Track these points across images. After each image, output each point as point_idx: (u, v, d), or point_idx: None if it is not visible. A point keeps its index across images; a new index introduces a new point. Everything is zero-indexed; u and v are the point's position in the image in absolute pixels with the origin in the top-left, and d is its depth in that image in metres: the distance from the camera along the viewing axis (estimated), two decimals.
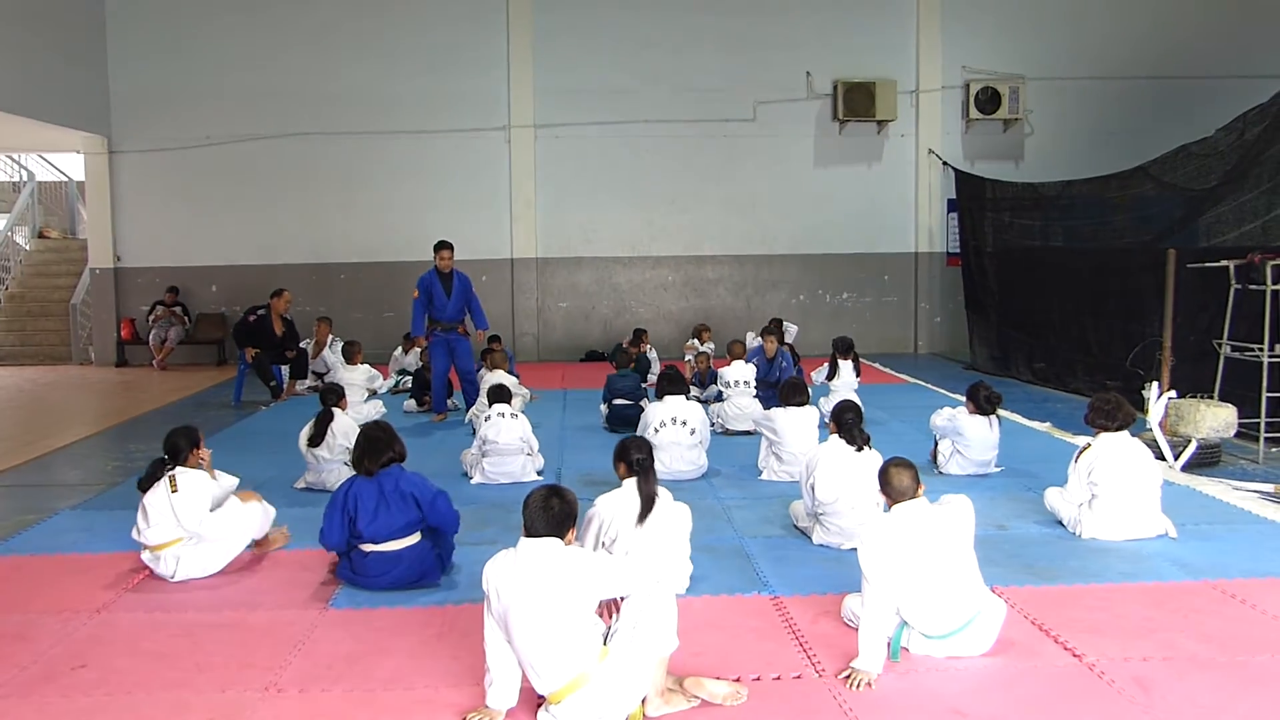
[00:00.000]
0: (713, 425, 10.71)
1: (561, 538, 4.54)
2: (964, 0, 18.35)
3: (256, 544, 6.91)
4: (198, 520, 6.46)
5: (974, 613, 5.13)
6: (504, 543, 6.67)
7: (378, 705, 4.76)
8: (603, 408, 11.55)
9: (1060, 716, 4.59)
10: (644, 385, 12.02)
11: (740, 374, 11.32)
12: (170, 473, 6.50)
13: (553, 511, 4.55)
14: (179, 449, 6.62)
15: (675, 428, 9.03)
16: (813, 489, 7.00)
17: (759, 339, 14.34)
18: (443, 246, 12.02)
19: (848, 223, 18.65)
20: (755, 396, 11.20)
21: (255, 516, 6.82)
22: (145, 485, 6.55)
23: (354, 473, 6.56)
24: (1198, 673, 4.98)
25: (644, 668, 4.48)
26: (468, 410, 11.74)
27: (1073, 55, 18.37)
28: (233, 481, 6.92)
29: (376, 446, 6.40)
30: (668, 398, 9.25)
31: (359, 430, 6.76)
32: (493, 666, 4.58)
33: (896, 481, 5.26)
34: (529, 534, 4.56)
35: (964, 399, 9.30)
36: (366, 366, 12.15)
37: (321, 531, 6.34)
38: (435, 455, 10.16)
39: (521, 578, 4.43)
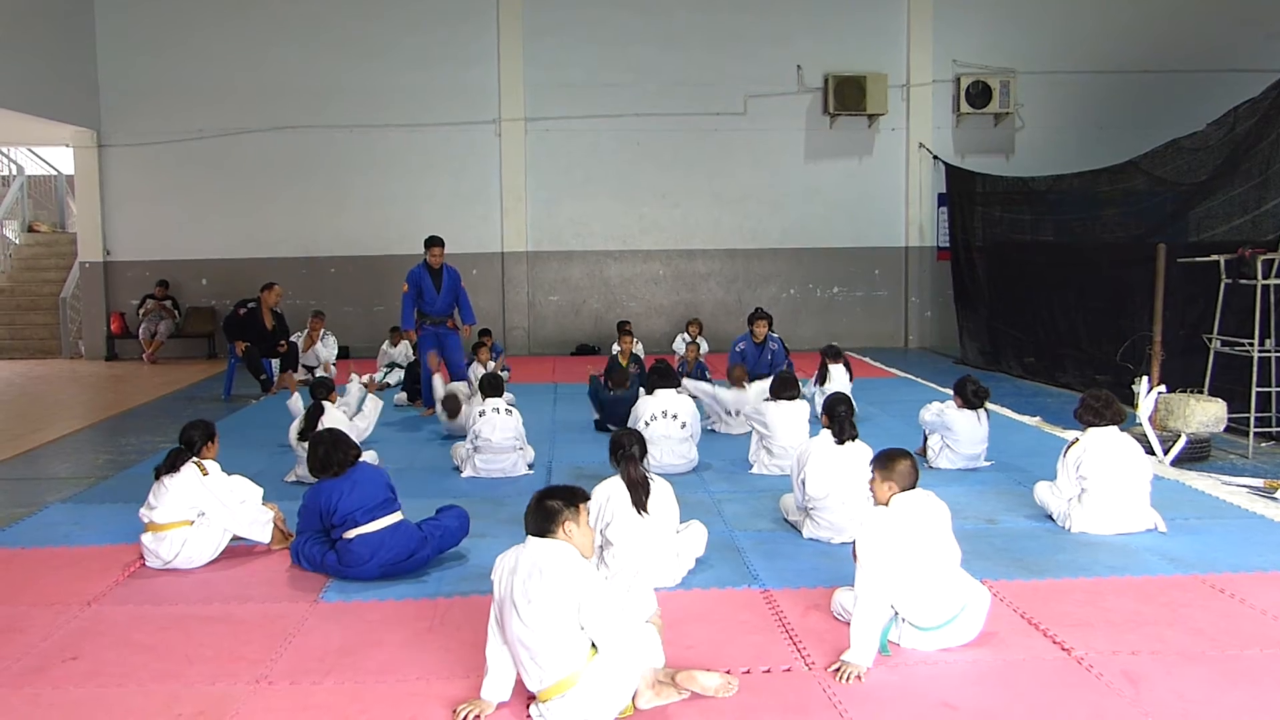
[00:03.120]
0: (706, 419, 10.74)
1: (552, 532, 4.53)
2: None
3: (269, 544, 7.01)
4: (222, 502, 6.73)
5: (963, 603, 5.16)
6: (494, 536, 6.75)
7: (369, 697, 4.76)
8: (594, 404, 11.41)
9: (1049, 710, 4.61)
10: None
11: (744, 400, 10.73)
12: (195, 460, 6.77)
13: (543, 511, 4.55)
14: (194, 441, 6.88)
15: (666, 421, 9.03)
16: (803, 483, 7.01)
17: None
18: (434, 243, 12.00)
19: (838, 217, 18.66)
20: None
21: (268, 523, 6.96)
22: (163, 470, 6.72)
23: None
24: (1186, 667, 5.00)
25: (631, 669, 4.50)
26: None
27: (1064, 49, 18.38)
28: (258, 490, 7.04)
29: (332, 455, 6.49)
30: (658, 391, 9.25)
31: (311, 442, 6.76)
32: (489, 658, 4.59)
33: (902, 466, 5.28)
34: (528, 531, 4.58)
35: (951, 394, 9.32)
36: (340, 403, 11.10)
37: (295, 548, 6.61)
38: (426, 449, 10.16)
39: (520, 574, 4.43)
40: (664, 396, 9.19)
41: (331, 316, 16.26)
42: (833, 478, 6.89)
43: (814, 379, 11.60)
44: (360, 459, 6.62)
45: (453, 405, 10.44)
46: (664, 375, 9.41)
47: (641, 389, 9.89)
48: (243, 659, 5.18)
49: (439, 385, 11.14)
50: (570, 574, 4.43)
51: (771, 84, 18.29)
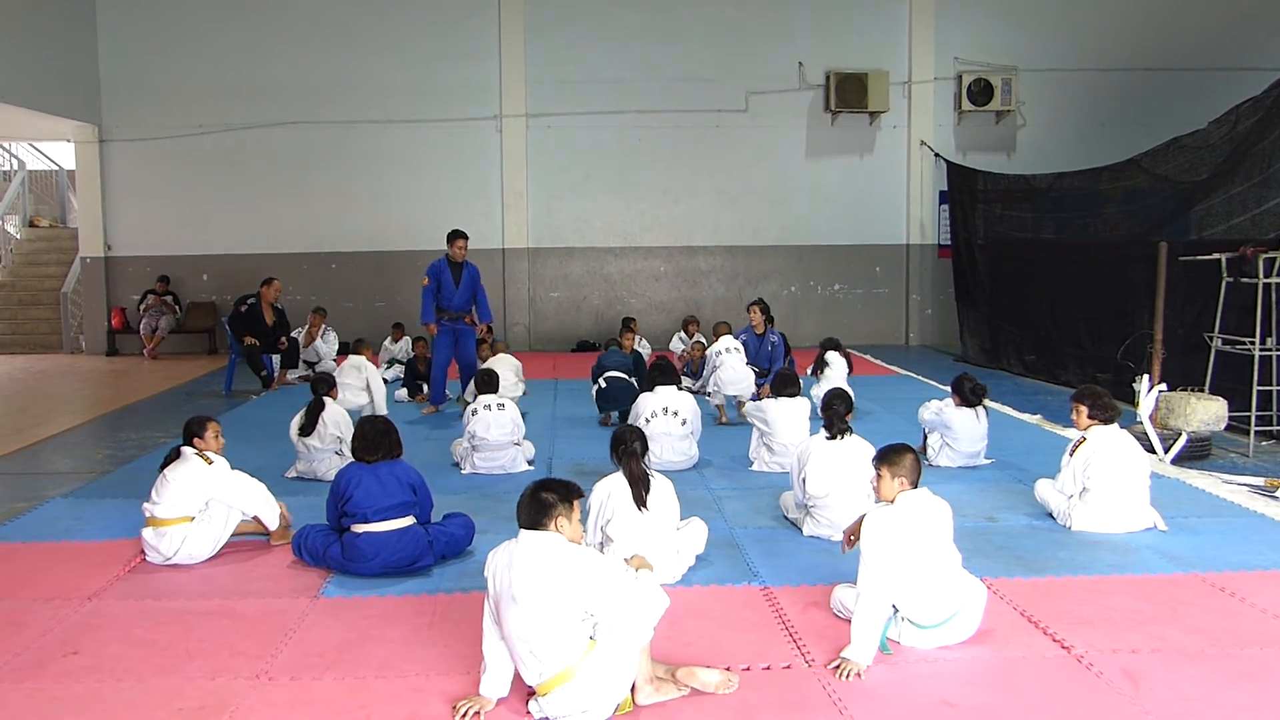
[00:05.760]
0: (708, 394, 10.88)
1: (543, 525, 4.54)
2: None
3: (271, 537, 7.02)
4: (230, 484, 6.78)
5: (961, 600, 5.16)
6: (494, 532, 6.74)
7: (368, 693, 4.76)
8: (594, 388, 11.33)
9: (1049, 708, 4.61)
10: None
11: (728, 343, 11.41)
12: (199, 452, 6.80)
13: (537, 503, 4.57)
14: (192, 432, 6.90)
15: (666, 418, 9.03)
16: (804, 481, 7.00)
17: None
18: (457, 236, 11.85)
19: (839, 214, 18.65)
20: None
21: (274, 511, 6.97)
22: (169, 463, 6.77)
23: (345, 462, 6.63)
24: (1186, 665, 5.00)
25: (629, 660, 4.50)
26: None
27: (1065, 47, 18.37)
28: (261, 485, 7.02)
29: (380, 440, 6.53)
30: (659, 388, 9.24)
31: (358, 422, 6.79)
32: (487, 654, 4.60)
33: (908, 461, 5.29)
34: (520, 525, 4.59)
35: (949, 392, 9.31)
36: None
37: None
38: (425, 445, 10.16)
39: (516, 569, 4.44)
40: (665, 393, 9.19)
41: (333, 312, 16.25)
42: (833, 476, 6.88)
43: (810, 370, 11.52)
44: (402, 458, 6.62)
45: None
46: (664, 372, 9.40)
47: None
48: (243, 654, 5.18)
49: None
50: (565, 564, 4.44)
51: (773, 81, 18.28)
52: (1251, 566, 6.41)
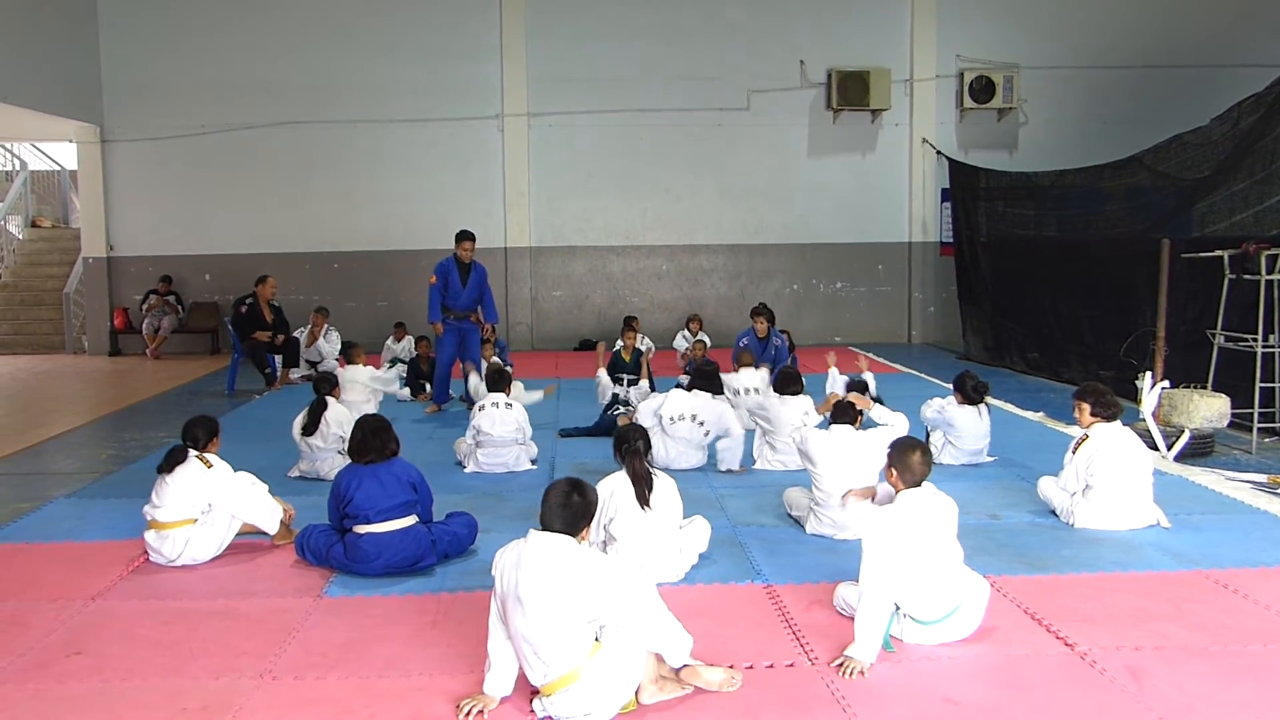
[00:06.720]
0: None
1: (575, 535, 4.52)
2: None
3: (274, 537, 7.00)
4: (230, 489, 6.72)
5: (963, 596, 5.17)
6: (498, 531, 6.76)
7: (372, 692, 4.77)
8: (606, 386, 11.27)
9: (1052, 705, 4.61)
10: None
11: (749, 381, 10.60)
12: (198, 454, 6.72)
13: (572, 508, 4.53)
14: (198, 438, 6.81)
15: (691, 424, 8.95)
16: (818, 478, 6.98)
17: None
18: (464, 237, 11.85)
19: (841, 212, 18.64)
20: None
21: (276, 510, 6.94)
22: (166, 467, 6.70)
23: (347, 461, 6.63)
24: (1189, 662, 5.00)
25: (635, 664, 4.50)
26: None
27: (1067, 44, 18.35)
28: (263, 486, 7.00)
29: (370, 441, 6.49)
30: (697, 392, 9.11)
31: (355, 423, 6.78)
32: (492, 653, 4.60)
33: (913, 459, 5.30)
34: (543, 526, 4.56)
35: (951, 389, 9.29)
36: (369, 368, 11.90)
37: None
38: (428, 445, 10.16)
39: (523, 569, 4.43)
40: (699, 400, 9.05)
41: (335, 312, 16.24)
42: (844, 474, 6.85)
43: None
44: (398, 455, 6.60)
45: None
46: (707, 378, 9.27)
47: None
48: (247, 654, 5.19)
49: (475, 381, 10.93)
50: (574, 567, 4.43)
51: (775, 79, 18.27)
52: (1254, 563, 6.42)
